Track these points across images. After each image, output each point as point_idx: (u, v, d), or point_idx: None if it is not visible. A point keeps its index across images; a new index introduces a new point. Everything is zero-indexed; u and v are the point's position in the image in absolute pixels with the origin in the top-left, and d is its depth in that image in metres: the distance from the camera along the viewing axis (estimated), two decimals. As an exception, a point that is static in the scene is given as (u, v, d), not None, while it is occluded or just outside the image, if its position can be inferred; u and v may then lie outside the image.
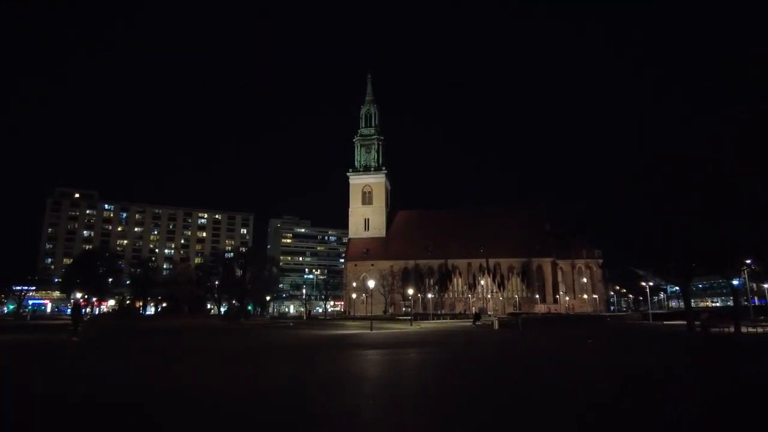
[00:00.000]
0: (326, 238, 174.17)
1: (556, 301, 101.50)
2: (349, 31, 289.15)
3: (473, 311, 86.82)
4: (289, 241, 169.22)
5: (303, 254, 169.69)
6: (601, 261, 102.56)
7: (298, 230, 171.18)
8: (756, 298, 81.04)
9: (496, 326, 47.71)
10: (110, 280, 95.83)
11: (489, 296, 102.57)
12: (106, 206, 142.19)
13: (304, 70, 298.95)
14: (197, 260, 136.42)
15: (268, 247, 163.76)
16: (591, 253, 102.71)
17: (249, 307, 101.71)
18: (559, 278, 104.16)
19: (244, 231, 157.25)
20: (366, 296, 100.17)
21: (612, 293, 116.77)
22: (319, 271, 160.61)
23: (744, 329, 35.77)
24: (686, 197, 31.72)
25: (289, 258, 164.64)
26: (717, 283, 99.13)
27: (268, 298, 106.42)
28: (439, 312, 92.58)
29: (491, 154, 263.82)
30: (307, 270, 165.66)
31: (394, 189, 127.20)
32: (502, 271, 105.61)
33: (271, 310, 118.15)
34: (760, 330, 36.14)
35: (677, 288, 73.69)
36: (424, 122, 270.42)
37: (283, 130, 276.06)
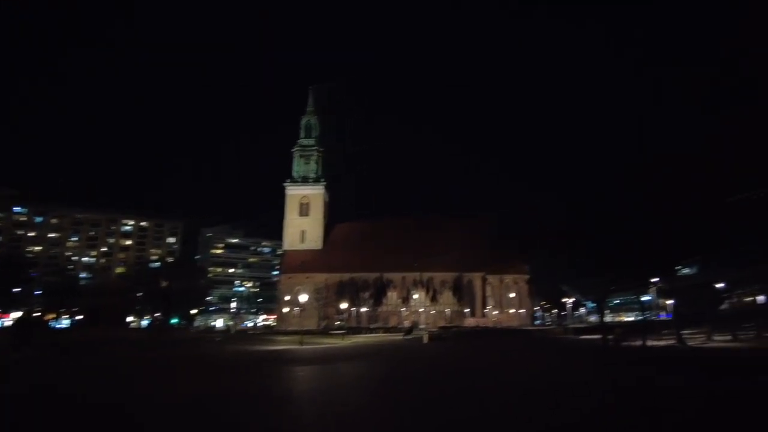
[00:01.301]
0: (260, 249, 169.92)
1: (485, 315, 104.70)
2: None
3: (406, 325, 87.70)
4: (220, 251, 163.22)
5: (235, 265, 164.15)
6: (528, 277, 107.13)
7: (231, 240, 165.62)
8: (663, 313, 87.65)
9: (426, 340, 48.44)
10: (17, 290, 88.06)
11: (422, 310, 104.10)
12: (18, 209, 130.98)
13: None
14: (120, 270, 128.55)
15: (198, 257, 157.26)
16: (519, 269, 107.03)
17: (174, 321, 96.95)
18: (489, 293, 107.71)
19: (172, 240, 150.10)
20: (299, 310, 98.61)
21: (538, 308, 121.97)
22: (251, 284, 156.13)
23: (651, 342, 38.55)
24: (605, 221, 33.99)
25: (220, 269, 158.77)
26: (630, 300, 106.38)
27: (195, 311, 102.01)
28: (372, 326, 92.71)
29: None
30: (238, 282, 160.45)
31: (366, 197, 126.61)
32: (435, 285, 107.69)
33: (198, 323, 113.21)
34: (663, 343, 39.09)
35: (596, 304, 78.23)
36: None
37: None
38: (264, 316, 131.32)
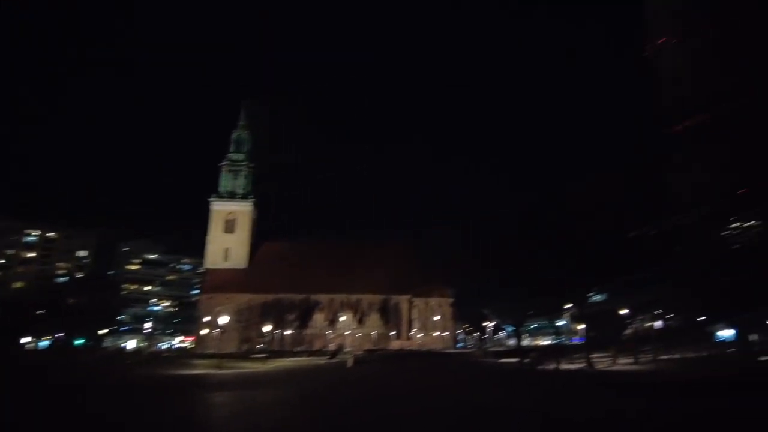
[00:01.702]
0: (180, 266, 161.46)
1: (410, 337, 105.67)
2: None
3: (331, 348, 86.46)
4: (136, 267, 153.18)
5: (151, 283, 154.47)
6: (452, 300, 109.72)
7: (148, 256, 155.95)
8: (576, 337, 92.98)
9: (351, 363, 48.00)
10: None
11: (348, 333, 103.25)
12: None
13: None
14: (18, 284, 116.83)
15: (112, 273, 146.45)
16: (444, 292, 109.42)
17: (79, 341, 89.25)
18: (415, 315, 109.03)
19: (84, 253, 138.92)
20: (219, 332, 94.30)
21: (460, 331, 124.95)
22: (168, 303, 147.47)
23: (564, 365, 40.65)
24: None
25: (135, 286, 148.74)
26: (546, 324, 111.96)
27: (104, 330, 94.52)
28: (296, 349, 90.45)
29: (424, 180, 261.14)
30: (154, 301, 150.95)
31: (297, 215, 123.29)
32: (363, 307, 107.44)
33: (106, 344, 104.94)
34: (574, 366, 41.37)
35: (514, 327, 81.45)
36: (361, 142, 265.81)
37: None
38: (181, 338, 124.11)
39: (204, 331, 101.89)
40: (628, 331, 59.46)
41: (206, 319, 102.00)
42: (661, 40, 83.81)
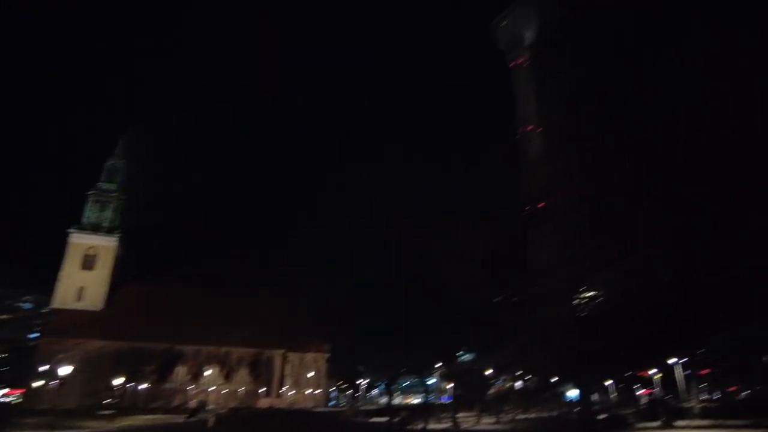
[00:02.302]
0: (18, 304, 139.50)
1: (281, 395, 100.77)
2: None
3: (192, 405, 79.19)
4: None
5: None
6: (328, 356, 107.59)
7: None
8: (445, 396, 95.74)
9: (212, 423, 44.26)
10: None
11: (213, 388, 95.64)
12: None
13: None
14: None
15: None
16: (321, 347, 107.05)
17: None
18: (288, 371, 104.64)
19: None
20: (58, 383, 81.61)
21: (334, 388, 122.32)
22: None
23: (431, 425, 41.46)
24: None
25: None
26: (417, 382, 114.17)
27: None
28: (152, 405, 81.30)
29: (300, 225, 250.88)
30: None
31: (170, 255, 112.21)
32: (232, 361, 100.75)
33: None
34: (441, 426, 42.44)
35: (386, 385, 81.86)
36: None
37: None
38: (5, 391, 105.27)
39: (38, 383, 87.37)
40: (492, 391, 62.92)
41: (44, 367, 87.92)
42: (530, 127, 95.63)
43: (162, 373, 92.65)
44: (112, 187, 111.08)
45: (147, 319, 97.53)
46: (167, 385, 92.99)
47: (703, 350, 51.03)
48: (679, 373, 50.02)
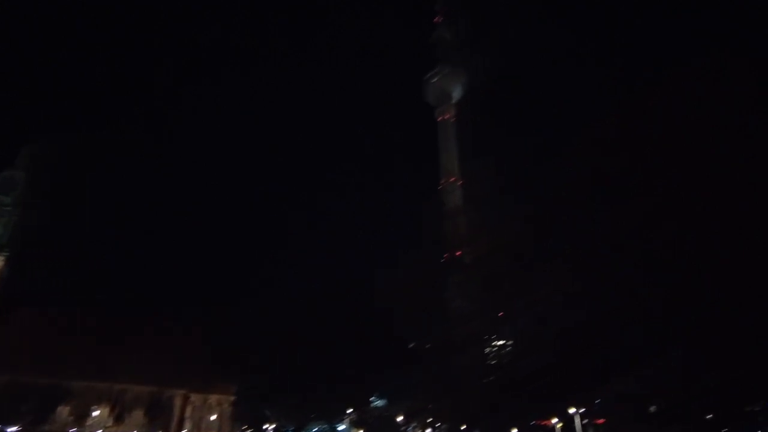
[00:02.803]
0: None
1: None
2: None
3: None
4: None
5: None
6: (233, 398, 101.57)
7: None
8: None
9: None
10: None
11: (101, 431, 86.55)
12: None
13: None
14: None
15: None
16: (227, 389, 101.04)
17: None
18: (189, 413, 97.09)
19: None
20: None
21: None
22: None
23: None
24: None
25: None
26: (327, 428, 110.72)
27: None
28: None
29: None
30: None
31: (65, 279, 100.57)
32: (127, 400, 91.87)
33: None
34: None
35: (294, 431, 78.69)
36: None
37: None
38: None
39: None
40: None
41: None
42: (452, 179, 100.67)
43: (40, 414, 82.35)
44: (7, 200, 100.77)
45: (30, 349, 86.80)
46: (46, 427, 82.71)
47: (599, 400, 54.43)
48: (578, 423, 52.80)
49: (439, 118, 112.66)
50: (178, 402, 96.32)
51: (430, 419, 64.73)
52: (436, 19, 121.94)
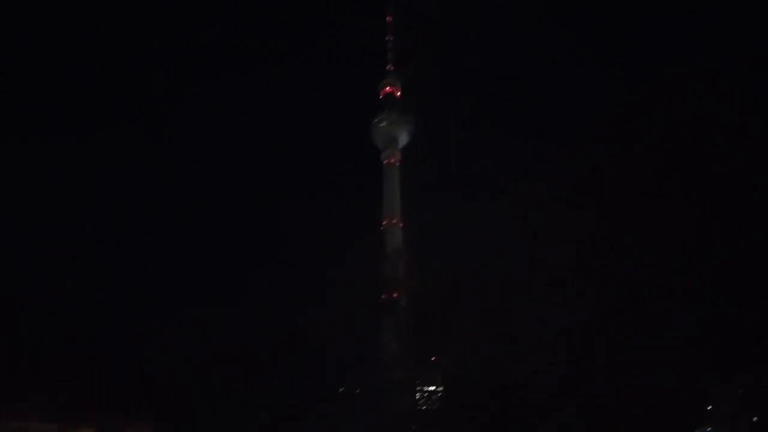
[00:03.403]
0: None
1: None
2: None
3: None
4: None
5: None
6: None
7: None
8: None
9: None
10: None
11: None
12: None
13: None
14: None
15: None
16: (142, 428, 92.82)
17: None
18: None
19: None
20: None
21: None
22: None
23: None
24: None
25: None
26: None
27: None
28: None
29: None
30: None
31: None
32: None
33: None
34: None
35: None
36: None
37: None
38: None
39: None
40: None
41: None
42: (394, 220, 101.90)
43: None
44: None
45: None
46: None
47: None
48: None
49: (385, 161, 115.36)
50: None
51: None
52: (388, 67, 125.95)
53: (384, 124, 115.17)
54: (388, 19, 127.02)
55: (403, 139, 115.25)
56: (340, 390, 37.38)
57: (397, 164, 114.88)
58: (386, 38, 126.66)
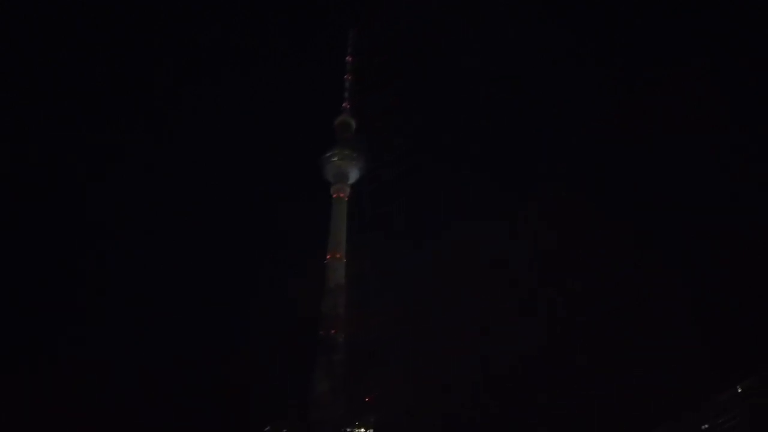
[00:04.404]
0: None
1: None
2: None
3: None
4: None
5: None
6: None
7: None
8: None
9: None
10: None
11: None
12: None
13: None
14: None
15: None
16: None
17: None
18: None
19: None
20: None
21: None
22: None
23: None
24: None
25: None
26: None
27: None
28: None
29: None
30: None
31: None
32: None
33: None
34: None
35: None
36: None
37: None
38: None
39: None
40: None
41: None
42: (338, 255, 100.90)
43: None
44: None
45: None
46: None
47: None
48: None
49: (334, 195, 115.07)
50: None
51: None
52: (344, 104, 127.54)
53: (336, 159, 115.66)
54: (348, 59, 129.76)
55: (354, 175, 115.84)
56: (265, 430, 35.16)
57: (346, 199, 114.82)
58: (344, 77, 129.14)
